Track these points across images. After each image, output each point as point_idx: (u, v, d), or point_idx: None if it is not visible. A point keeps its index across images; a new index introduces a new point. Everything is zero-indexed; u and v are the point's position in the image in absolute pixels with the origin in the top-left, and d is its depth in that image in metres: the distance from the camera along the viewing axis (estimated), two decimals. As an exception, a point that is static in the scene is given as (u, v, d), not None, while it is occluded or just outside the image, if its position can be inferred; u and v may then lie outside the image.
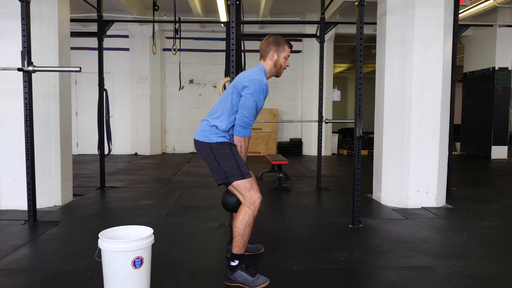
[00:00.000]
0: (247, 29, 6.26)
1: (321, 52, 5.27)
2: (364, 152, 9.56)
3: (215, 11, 8.25)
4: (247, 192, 2.32)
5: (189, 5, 7.69)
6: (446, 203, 4.38)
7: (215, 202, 4.41)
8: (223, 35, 8.31)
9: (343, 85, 16.26)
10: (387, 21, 4.27)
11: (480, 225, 3.62)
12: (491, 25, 7.94)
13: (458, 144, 10.19)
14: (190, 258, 2.75)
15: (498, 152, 8.97)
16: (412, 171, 4.19)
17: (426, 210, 4.08)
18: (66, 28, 4.36)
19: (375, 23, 4.64)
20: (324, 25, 5.27)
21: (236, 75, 3.43)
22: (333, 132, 10.31)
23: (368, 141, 9.88)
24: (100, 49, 5.17)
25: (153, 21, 6.00)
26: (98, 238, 2.09)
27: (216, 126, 2.37)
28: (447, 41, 4.25)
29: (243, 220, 2.28)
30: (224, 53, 3.95)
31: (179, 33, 6.17)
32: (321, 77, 5.28)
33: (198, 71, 9.88)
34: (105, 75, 5.30)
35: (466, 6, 7.41)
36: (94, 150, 5.49)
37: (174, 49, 6.27)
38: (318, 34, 5.37)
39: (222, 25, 7.13)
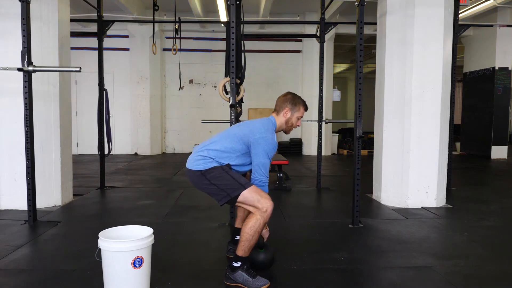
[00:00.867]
0: (247, 29, 6.26)
1: (321, 52, 5.27)
2: (364, 152, 9.56)
3: (215, 11, 8.24)
4: (257, 202, 2.25)
5: (189, 5, 7.69)
6: (446, 203, 4.37)
7: (215, 202, 4.37)
8: (223, 35, 8.29)
9: (343, 85, 16.25)
10: (387, 21, 4.27)
11: (480, 225, 3.62)
12: (491, 25, 7.95)
13: (458, 144, 10.18)
14: (190, 258, 2.75)
15: (498, 152, 8.97)
16: (412, 171, 4.19)
17: (426, 210, 4.08)
18: (66, 28, 4.36)
19: (375, 23, 4.64)
20: (324, 25, 5.27)
21: (236, 75, 3.43)
22: (333, 132, 10.31)
23: (368, 141, 9.88)
24: (100, 49, 5.17)
25: (153, 21, 6.00)
26: (98, 238, 2.09)
27: (209, 156, 2.34)
28: (447, 41, 4.25)
29: (252, 227, 2.24)
30: (224, 53, 3.95)
31: (179, 33, 6.17)
32: (321, 77, 5.28)
33: (198, 71, 9.88)
34: (105, 75, 5.30)
35: (466, 6, 7.41)
36: (94, 150, 5.48)
37: (174, 49, 6.27)
38: (318, 34, 5.37)
39: (222, 25, 7.13)
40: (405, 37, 4.15)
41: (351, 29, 9.10)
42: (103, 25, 5.15)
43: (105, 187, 5.22)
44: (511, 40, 8.74)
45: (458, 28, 5.34)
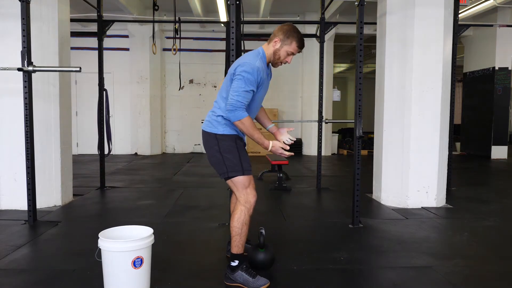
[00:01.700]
0: (247, 29, 6.26)
1: (321, 52, 5.27)
2: (364, 152, 9.55)
3: (215, 11, 8.24)
4: (244, 189, 2.30)
5: (189, 5, 7.69)
6: (446, 203, 4.37)
7: (215, 202, 4.41)
8: (223, 35, 8.32)
9: (343, 85, 16.25)
10: (387, 21, 4.27)
11: (480, 225, 3.62)
12: (491, 25, 7.94)
13: (458, 144, 10.18)
14: (190, 258, 2.75)
15: (498, 152, 8.97)
16: (412, 171, 4.19)
17: (426, 210, 4.08)
18: (66, 28, 4.36)
19: (375, 23, 4.64)
20: (324, 25, 5.27)
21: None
22: (333, 132, 10.31)
23: (368, 141, 9.88)
24: (100, 49, 5.17)
25: (153, 21, 6.00)
26: (98, 238, 2.09)
27: (222, 116, 2.32)
28: (447, 41, 4.25)
29: (239, 219, 2.27)
30: (224, 53, 3.95)
31: (179, 33, 6.17)
32: (321, 77, 5.28)
33: (198, 71, 9.88)
34: (105, 75, 5.30)
35: (466, 6, 7.41)
36: (94, 150, 5.48)
37: (174, 49, 6.27)
38: (318, 34, 5.37)
39: (222, 25, 7.13)
40: (405, 37, 4.15)
41: (351, 29, 9.09)
42: (103, 25, 5.15)
43: (105, 187, 5.21)
44: (511, 40, 8.74)
45: (458, 28, 5.34)
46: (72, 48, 4.70)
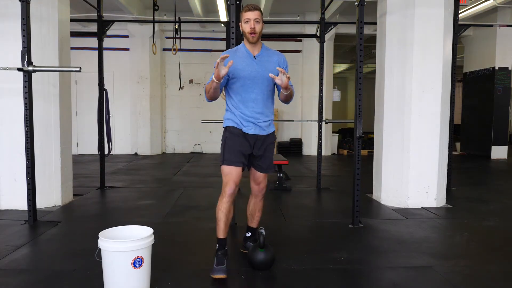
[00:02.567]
0: (247, 29, 6.25)
1: (321, 52, 5.27)
2: (364, 152, 9.55)
3: (215, 11, 8.24)
4: (224, 177, 2.49)
5: (189, 5, 7.69)
6: (446, 203, 4.37)
7: (215, 202, 4.35)
8: (223, 35, 8.30)
9: (343, 85, 16.25)
10: (387, 21, 4.27)
11: (480, 225, 3.62)
12: (491, 25, 7.95)
13: (458, 144, 10.18)
14: (190, 258, 2.76)
15: (498, 152, 8.97)
16: (412, 171, 4.19)
17: (426, 210, 4.08)
18: (66, 28, 4.36)
19: (375, 23, 4.64)
20: (324, 25, 5.27)
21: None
22: (333, 132, 10.30)
23: (368, 141, 9.87)
24: (100, 49, 5.17)
25: (153, 21, 6.00)
26: (98, 238, 2.09)
27: (226, 111, 2.60)
28: (447, 41, 4.25)
29: (217, 206, 2.47)
30: (224, 53, 3.92)
31: (179, 33, 6.17)
32: (321, 77, 5.28)
33: (198, 71, 9.87)
34: (105, 75, 5.30)
35: (466, 6, 7.41)
36: (94, 150, 5.48)
37: (174, 49, 6.27)
38: (318, 34, 5.37)
39: (222, 25, 7.13)
40: (405, 37, 4.15)
41: (351, 29, 9.09)
42: (103, 25, 5.15)
43: (105, 187, 5.21)
44: (511, 40, 8.73)
45: (458, 28, 5.34)
46: (72, 48, 4.70)
